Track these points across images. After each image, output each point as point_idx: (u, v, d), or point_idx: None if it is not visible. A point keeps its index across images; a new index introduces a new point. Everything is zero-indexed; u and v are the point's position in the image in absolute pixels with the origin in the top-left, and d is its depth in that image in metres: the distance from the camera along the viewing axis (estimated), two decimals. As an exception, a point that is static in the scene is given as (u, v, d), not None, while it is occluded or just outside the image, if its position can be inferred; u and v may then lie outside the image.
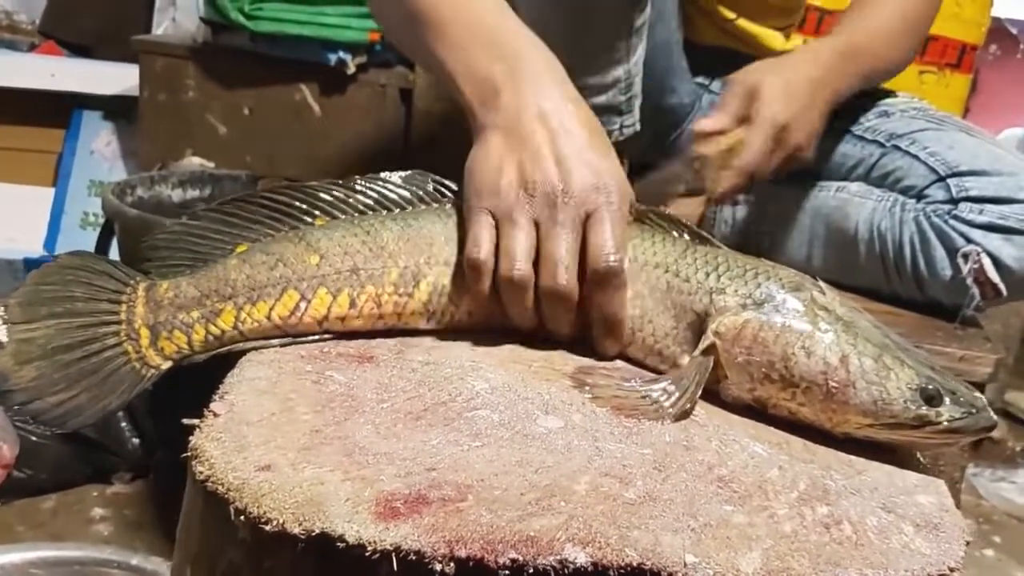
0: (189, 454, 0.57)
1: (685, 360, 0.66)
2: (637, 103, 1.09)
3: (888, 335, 0.65)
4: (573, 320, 0.68)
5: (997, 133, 2.76)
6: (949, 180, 1.07)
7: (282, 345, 0.69)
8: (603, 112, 1.07)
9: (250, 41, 1.86)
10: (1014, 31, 2.76)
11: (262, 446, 0.56)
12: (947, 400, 0.61)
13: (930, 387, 0.61)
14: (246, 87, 1.92)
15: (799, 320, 0.64)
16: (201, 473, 0.54)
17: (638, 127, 1.11)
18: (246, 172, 1.72)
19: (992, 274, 1.04)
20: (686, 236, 0.71)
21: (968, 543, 0.56)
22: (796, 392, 0.62)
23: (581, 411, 0.61)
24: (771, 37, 1.26)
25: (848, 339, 0.63)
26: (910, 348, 0.65)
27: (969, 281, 1.05)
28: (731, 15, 1.23)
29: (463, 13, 0.71)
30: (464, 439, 0.57)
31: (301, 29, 1.80)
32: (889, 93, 1.19)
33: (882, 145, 1.14)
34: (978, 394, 0.63)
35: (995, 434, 1.75)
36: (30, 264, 1.94)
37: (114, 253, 1.48)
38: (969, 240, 1.04)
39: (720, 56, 1.25)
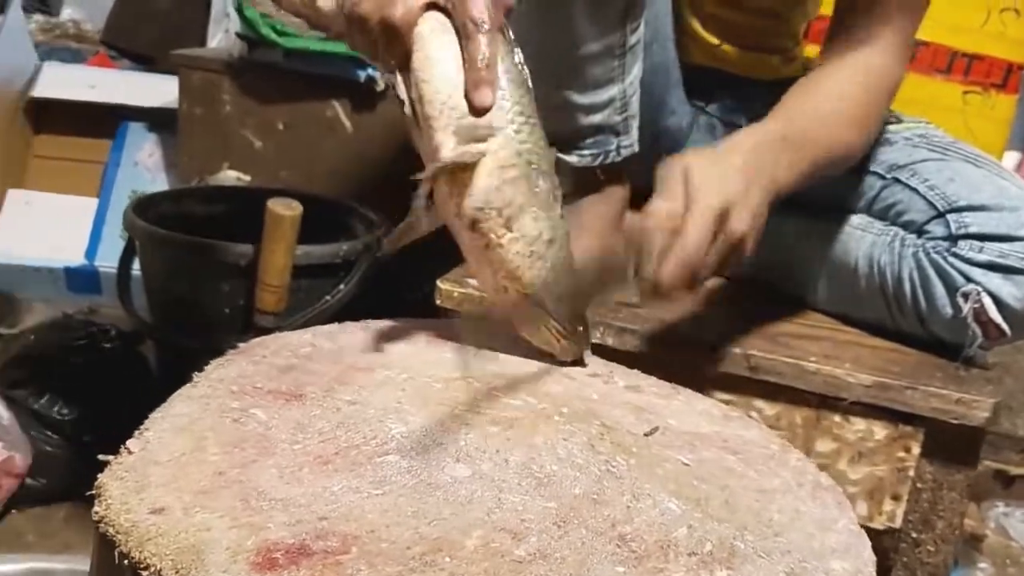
0: (94, 492, 0.57)
1: (449, 143, 0.73)
2: (635, 123, 1.08)
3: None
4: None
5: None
6: (948, 216, 1.03)
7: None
8: (599, 132, 1.06)
9: (283, 57, 1.88)
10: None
11: (162, 487, 0.56)
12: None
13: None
14: (280, 102, 1.95)
15: (547, 198, 0.75)
16: (96, 513, 0.55)
17: (636, 148, 1.09)
18: (270, 187, 1.73)
19: (994, 314, 1.00)
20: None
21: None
22: (504, 235, 0.73)
23: (493, 459, 0.60)
24: (761, 61, 1.23)
25: (558, 246, 0.76)
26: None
27: (970, 320, 1.01)
28: (715, 40, 1.20)
29: None
30: (366, 486, 0.57)
31: (330, 46, 1.81)
32: (894, 118, 1.15)
33: (882, 177, 1.11)
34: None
35: (1028, 472, 1.68)
36: (71, 273, 1.99)
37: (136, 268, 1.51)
38: (969, 279, 1.00)
39: (714, 77, 1.22)
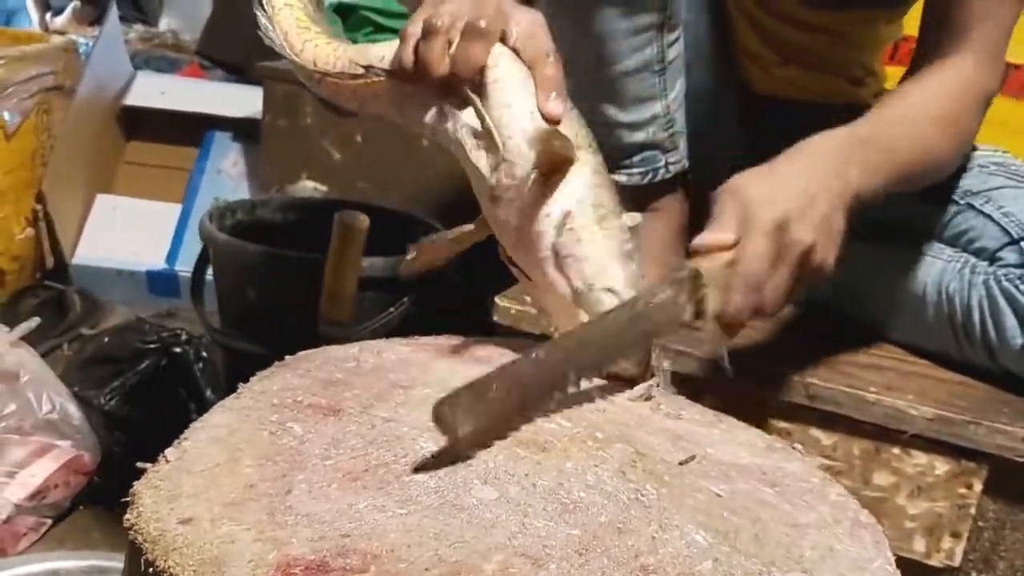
0: (128, 499, 0.59)
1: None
2: (682, 140, 1.07)
3: None
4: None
5: None
6: (1023, 243, 0.99)
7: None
8: (645, 149, 1.05)
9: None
10: None
11: (193, 497, 0.57)
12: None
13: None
14: (359, 115, 1.98)
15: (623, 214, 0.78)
16: (128, 520, 0.56)
17: (686, 164, 1.08)
18: (345, 199, 1.76)
19: (1067, 347, 0.96)
20: None
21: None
22: (597, 231, 0.75)
23: (521, 483, 0.60)
24: (826, 83, 1.20)
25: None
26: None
27: (1041, 352, 0.97)
28: (778, 59, 1.18)
29: None
30: (391, 504, 0.57)
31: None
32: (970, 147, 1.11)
33: (956, 202, 1.08)
34: None
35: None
36: (152, 277, 2.05)
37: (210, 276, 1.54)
38: (1042, 308, 0.97)
39: (776, 107, 1.20)
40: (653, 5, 0.97)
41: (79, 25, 3.49)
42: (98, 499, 1.36)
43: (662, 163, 1.06)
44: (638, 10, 0.96)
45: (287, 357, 0.78)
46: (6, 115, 1.81)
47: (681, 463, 0.66)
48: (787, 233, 0.74)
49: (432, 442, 0.63)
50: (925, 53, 1.02)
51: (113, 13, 2.38)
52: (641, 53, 0.98)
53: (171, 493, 0.57)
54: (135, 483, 0.59)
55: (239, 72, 2.77)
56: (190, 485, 0.58)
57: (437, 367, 0.77)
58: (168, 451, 0.62)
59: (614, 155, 1.05)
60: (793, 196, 0.76)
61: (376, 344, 0.81)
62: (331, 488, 0.58)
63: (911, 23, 1.27)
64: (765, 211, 0.74)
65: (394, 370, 0.75)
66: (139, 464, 0.62)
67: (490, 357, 0.80)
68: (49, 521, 1.30)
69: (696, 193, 1.13)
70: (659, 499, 0.60)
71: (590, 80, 1.01)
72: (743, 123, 1.21)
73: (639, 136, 1.03)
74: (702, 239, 0.75)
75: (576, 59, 1.02)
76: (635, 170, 1.06)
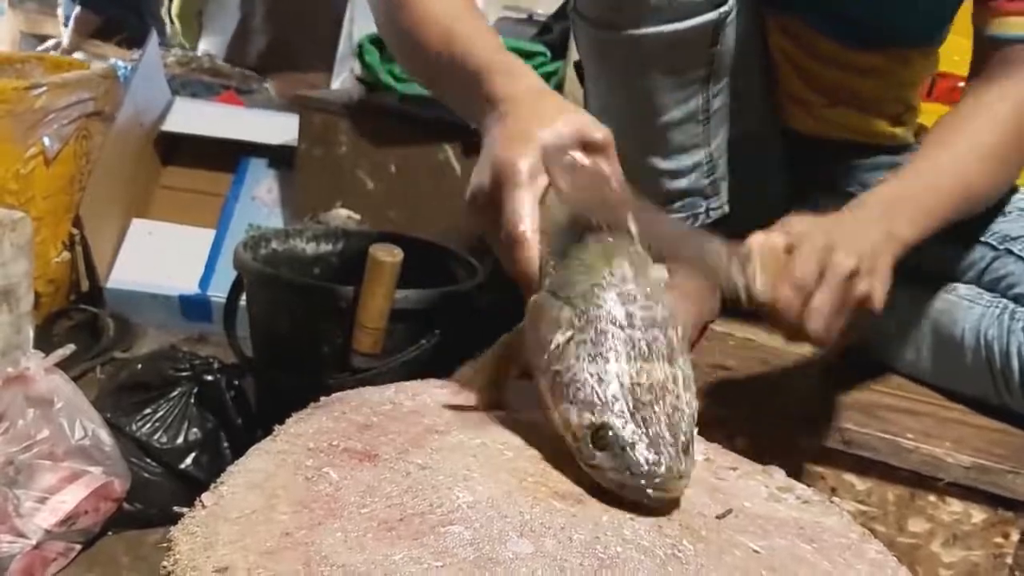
0: (165, 544, 0.59)
1: None
2: (724, 185, 1.07)
3: None
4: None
5: None
6: (1062, 290, 0.98)
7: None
8: (686, 196, 1.05)
9: (399, 101, 1.93)
10: None
11: (230, 545, 0.57)
12: (609, 452, 0.62)
13: (603, 432, 0.62)
14: (394, 145, 1.99)
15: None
16: (164, 568, 0.56)
17: (726, 209, 1.08)
18: (378, 230, 1.77)
19: (1107, 397, 0.95)
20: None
21: None
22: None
23: (557, 536, 0.60)
24: (869, 124, 1.20)
25: None
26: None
27: (1080, 403, 0.96)
28: (824, 100, 1.18)
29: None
30: (427, 557, 0.57)
31: (443, 91, 1.85)
32: (1010, 188, 1.10)
33: (994, 248, 1.07)
34: (651, 463, 0.61)
35: None
36: (185, 301, 2.06)
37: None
38: (1082, 357, 0.96)
39: (820, 148, 1.20)
40: (700, 60, 0.97)
41: (79, 36, 3.54)
42: (127, 525, 1.36)
43: (703, 208, 1.06)
44: (685, 65, 0.96)
45: (323, 398, 0.78)
46: (47, 141, 1.83)
47: (718, 517, 0.65)
48: (833, 254, 0.77)
49: (468, 492, 0.63)
50: (980, 73, 1.03)
51: (153, 40, 2.41)
52: (686, 105, 0.99)
53: (207, 540, 0.57)
54: (172, 528, 0.60)
55: (255, 71, 3.07)
56: (226, 532, 0.58)
57: (471, 411, 0.77)
58: (204, 496, 0.63)
59: (656, 200, 1.05)
60: (838, 231, 0.80)
61: (412, 386, 0.81)
62: (366, 538, 0.58)
63: (945, 61, 1.27)
64: (815, 234, 0.78)
65: (429, 414, 0.75)
66: (176, 508, 0.62)
67: (520, 402, 0.80)
68: (78, 547, 1.30)
69: (735, 236, 1.12)
70: (696, 555, 0.60)
71: (635, 131, 1.01)
72: (785, 166, 1.21)
73: (681, 183, 1.04)
74: (757, 236, 0.77)
75: (621, 111, 1.02)
76: (676, 215, 1.06)
